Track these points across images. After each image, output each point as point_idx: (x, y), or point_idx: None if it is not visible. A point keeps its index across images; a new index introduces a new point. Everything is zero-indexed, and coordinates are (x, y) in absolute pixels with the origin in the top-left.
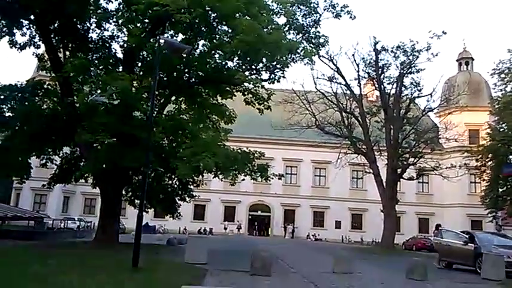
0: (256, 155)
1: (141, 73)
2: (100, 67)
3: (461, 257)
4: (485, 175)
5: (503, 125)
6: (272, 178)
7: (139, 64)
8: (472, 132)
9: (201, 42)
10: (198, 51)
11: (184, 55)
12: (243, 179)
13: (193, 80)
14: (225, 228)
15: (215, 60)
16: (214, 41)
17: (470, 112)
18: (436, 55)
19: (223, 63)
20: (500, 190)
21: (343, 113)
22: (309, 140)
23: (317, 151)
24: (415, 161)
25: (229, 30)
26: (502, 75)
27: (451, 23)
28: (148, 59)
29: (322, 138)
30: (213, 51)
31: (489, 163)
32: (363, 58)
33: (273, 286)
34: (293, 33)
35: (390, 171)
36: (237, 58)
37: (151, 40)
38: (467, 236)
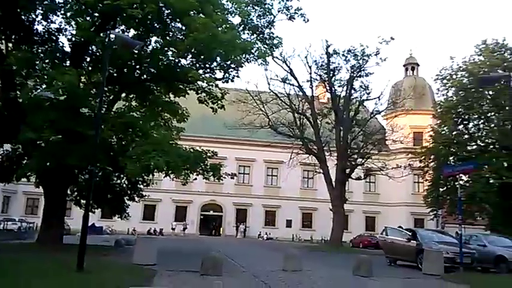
0: (209, 154)
1: (90, 68)
2: (46, 61)
3: (405, 254)
4: (427, 175)
5: (445, 128)
6: (225, 177)
7: (88, 59)
8: (416, 134)
9: (154, 38)
10: (150, 47)
11: (136, 51)
12: (195, 179)
13: (145, 76)
14: (173, 229)
15: (168, 58)
16: (168, 38)
17: (415, 115)
18: (385, 60)
19: (177, 60)
20: (441, 190)
21: (296, 114)
22: (262, 140)
23: (270, 151)
24: (363, 161)
25: (183, 28)
26: (445, 81)
27: (399, 29)
28: (97, 54)
29: (275, 138)
30: (166, 48)
31: (431, 164)
32: (315, 61)
33: (224, 286)
34: (247, 34)
35: (339, 171)
36: (190, 56)
37: (101, 34)
38: (410, 234)
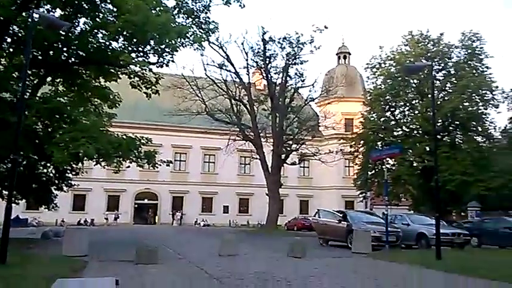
0: (142, 141)
1: (11, 50)
2: None
3: (336, 234)
4: (357, 160)
5: (374, 115)
6: (160, 165)
7: (9, 40)
8: (348, 120)
9: (83, 19)
10: (78, 29)
11: (63, 32)
12: (128, 166)
13: (73, 59)
14: (106, 219)
15: (98, 40)
16: (97, 19)
17: (346, 102)
18: (318, 48)
19: (107, 43)
20: (370, 173)
21: (233, 101)
22: (198, 126)
23: (206, 138)
24: (298, 147)
25: (114, 9)
26: (374, 70)
27: (332, 18)
28: (20, 34)
29: (212, 124)
30: (96, 30)
31: (361, 149)
32: (252, 47)
33: (159, 274)
34: (183, 17)
35: (275, 156)
36: (122, 39)
37: (24, 14)
38: (340, 215)
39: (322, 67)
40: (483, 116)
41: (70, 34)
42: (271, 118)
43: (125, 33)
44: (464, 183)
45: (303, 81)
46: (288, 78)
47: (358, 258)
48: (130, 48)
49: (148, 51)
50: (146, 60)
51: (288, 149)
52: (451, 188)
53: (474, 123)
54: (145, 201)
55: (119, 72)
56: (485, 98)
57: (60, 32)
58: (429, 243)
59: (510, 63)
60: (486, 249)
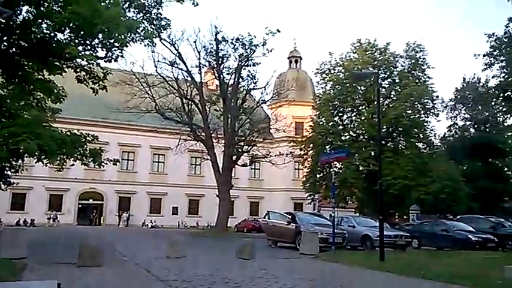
0: (88, 138)
1: None
2: None
3: (285, 236)
4: (306, 162)
5: (323, 119)
6: (106, 164)
7: None
8: (298, 124)
9: (25, 8)
10: (21, 17)
11: (3, 20)
12: (72, 165)
13: (14, 50)
14: (48, 219)
15: (42, 31)
16: (42, 8)
17: (297, 106)
18: (271, 51)
19: (52, 34)
20: (318, 176)
21: (184, 100)
22: (148, 124)
23: (156, 136)
24: (249, 148)
25: None
26: (324, 75)
27: (285, 22)
28: None
29: (162, 123)
30: (40, 20)
31: (310, 152)
32: (204, 46)
33: (103, 276)
34: (133, 12)
35: (226, 158)
36: (68, 31)
37: None
38: (290, 217)
39: (274, 70)
40: (424, 123)
41: (11, 22)
42: (223, 119)
43: (71, 25)
44: (406, 187)
45: (255, 83)
46: (241, 80)
47: (306, 260)
48: (77, 41)
49: (96, 45)
50: (94, 54)
51: (240, 150)
52: (394, 191)
53: (416, 130)
54: (90, 201)
55: (64, 66)
56: (426, 106)
57: (0, 19)
58: (373, 245)
59: (449, 74)
60: (425, 251)
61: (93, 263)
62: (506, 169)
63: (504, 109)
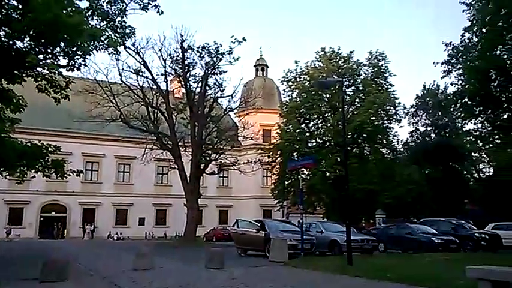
0: (50, 149)
1: None
2: None
3: (254, 244)
4: (275, 170)
5: (290, 126)
6: (69, 175)
7: None
8: (266, 131)
9: None
10: None
11: None
12: (34, 177)
13: None
14: (8, 233)
15: (0, 39)
16: (0, 15)
17: (264, 114)
18: (237, 59)
19: (11, 42)
20: (286, 183)
21: (150, 108)
22: (112, 134)
23: (121, 146)
24: (217, 156)
25: (20, 6)
26: (290, 83)
27: (251, 31)
28: None
29: (127, 132)
30: None
31: (278, 159)
32: (170, 54)
33: None
34: (96, 20)
35: (194, 166)
36: (28, 38)
37: None
38: (259, 224)
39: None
40: (387, 129)
41: None
42: (190, 127)
43: (31, 32)
44: (372, 192)
45: (222, 91)
46: (207, 88)
47: (276, 267)
48: (37, 49)
49: (57, 53)
50: (55, 62)
51: (207, 158)
52: (360, 196)
53: (380, 136)
54: (53, 213)
55: (24, 75)
56: (389, 113)
57: None
58: (341, 250)
59: (410, 81)
60: (391, 254)
61: (57, 277)
62: (465, 172)
63: (462, 115)
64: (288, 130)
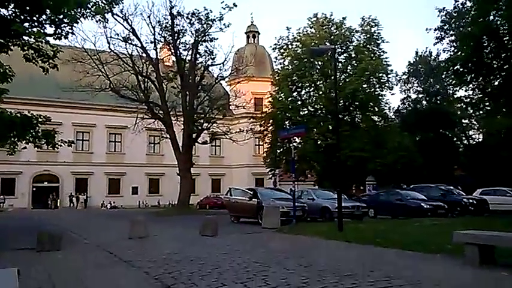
0: (40, 119)
1: None
2: None
3: (247, 211)
4: (267, 138)
5: (282, 95)
6: (61, 145)
7: None
8: (257, 100)
9: None
10: None
11: None
12: (25, 147)
13: None
14: (1, 203)
15: None
16: None
17: (256, 82)
18: (228, 26)
19: None
20: (278, 151)
21: (140, 77)
22: (102, 103)
23: (112, 116)
24: (209, 126)
25: None
26: (282, 50)
27: None
28: None
29: (118, 102)
30: None
31: (270, 128)
32: (159, 21)
33: (65, 260)
34: None
35: (186, 136)
36: (13, 6)
37: None
38: (251, 193)
39: (231, 45)
40: (379, 97)
41: None
42: (181, 96)
43: None
44: (363, 159)
45: (213, 59)
46: (198, 56)
47: (268, 233)
48: (22, 17)
49: (44, 21)
50: (42, 31)
51: (199, 127)
52: (351, 164)
53: (371, 103)
54: (45, 184)
55: (10, 44)
56: (381, 80)
57: None
58: (332, 216)
59: (403, 48)
60: (381, 220)
61: (52, 247)
62: (455, 139)
63: (453, 82)
64: (280, 98)
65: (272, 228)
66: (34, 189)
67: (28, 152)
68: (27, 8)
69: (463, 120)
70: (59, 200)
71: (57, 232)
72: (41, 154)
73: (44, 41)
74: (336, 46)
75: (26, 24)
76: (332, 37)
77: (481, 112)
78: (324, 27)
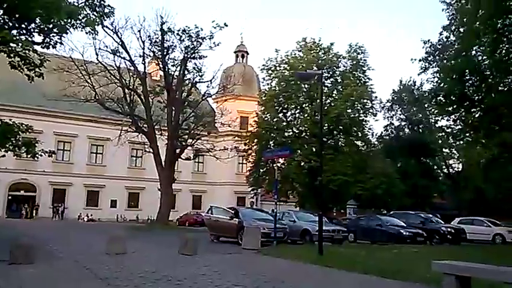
0: (22, 127)
1: None
2: None
3: (228, 231)
4: (251, 157)
5: (267, 115)
6: (41, 155)
7: None
8: (243, 119)
9: None
10: None
11: None
12: (4, 156)
13: None
14: None
15: None
16: None
17: (242, 101)
18: (218, 45)
19: None
20: (261, 171)
21: (126, 90)
22: (86, 114)
23: (95, 127)
24: (193, 142)
25: None
26: (269, 72)
27: (232, 17)
28: None
29: (102, 113)
30: None
31: (254, 147)
32: (149, 36)
33: (38, 275)
34: None
35: (170, 151)
36: (2, 13)
37: None
38: (233, 212)
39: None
40: (363, 122)
41: None
42: (166, 111)
43: (5, 6)
44: (345, 183)
45: (201, 76)
46: (186, 72)
47: (248, 254)
48: (11, 24)
49: (33, 30)
50: (30, 39)
51: (183, 143)
52: (334, 187)
53: (355, 128)
54: (22, 192)
55: None
56: (365, 106)
57: None
58: (312, 239)
59: (388, 76)
60: (361, 245)
61: (26, 260)
62: (435, 167)
63: (436, 112)
64: (266, 119)
65: (252, 249)
66: (10, 197)
67: (6, 159)
68: (16, 15)
69: (444, 150)
70: (35, 210)
71: (32, 244)
72: (19, 162)
73: (31, 49)
74: (323, 70)
75: (14, 32)
76: (319, 61)
77: (461, 142)
78: (312, 52)
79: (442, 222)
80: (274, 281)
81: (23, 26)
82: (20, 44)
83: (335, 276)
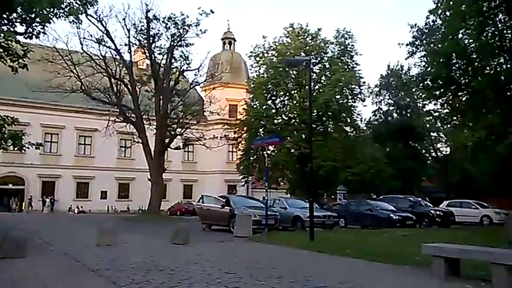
0: (7, 120)
1: None
2: None
3: (219, 219)
4: (240, 145)
5: (256, 102)
6: (28, 148)
7: None
8: (232, 106)
9: None
10: None
11: None
12: None
13: None
14: None
15: None
16: None
17: (231, 88)
18: (204, 32)
19: None
20: (252, 159)
21: (112, 79)
22: (73, 105)
23: (82, 118)
24: (182, 131)
25: None
26: (257, 58)
27: (218, 4)
28: None
29: (89, 104)
30: None
31: (244, 135)
32: (134, 24)
33: (29, 268)
34: None
35: (159, 140)
36: None
37: None
38: (224, 200)
39: (208, 51)
40: (352, 108)
41: None
42: (154, 100)
43: None
44: (334, 168)
45: (188, 64)
46: (173, 60)
47: (240, 242)
48: None
49: (14, 20)
50: (12, 29)
51: (172, 133)
52: (323, 173)
53: (344, 114)
54: (10, 186)
55: None
56: (354, 92)
57: None
58: (304, 225)
59: (376, 61)
60: (351, 229)
61: (16, 254)
62: (424, 151)
63: (423, 96)
64: (255, 106)
65: (244, 236)
66: None
67: None
68: None
69: (432, 134)
70: (23, 203)
71: (22, 237)
72: (7, 155)
73: (13, 40)
74: (311, 57)
75: None
76: (307, 47)
77: (448, 126)
78: (299, 38)
79: (431, 206)
80: (266, 267)
81: (4, 16)
82: (2, 35)
83: (326, 261)
